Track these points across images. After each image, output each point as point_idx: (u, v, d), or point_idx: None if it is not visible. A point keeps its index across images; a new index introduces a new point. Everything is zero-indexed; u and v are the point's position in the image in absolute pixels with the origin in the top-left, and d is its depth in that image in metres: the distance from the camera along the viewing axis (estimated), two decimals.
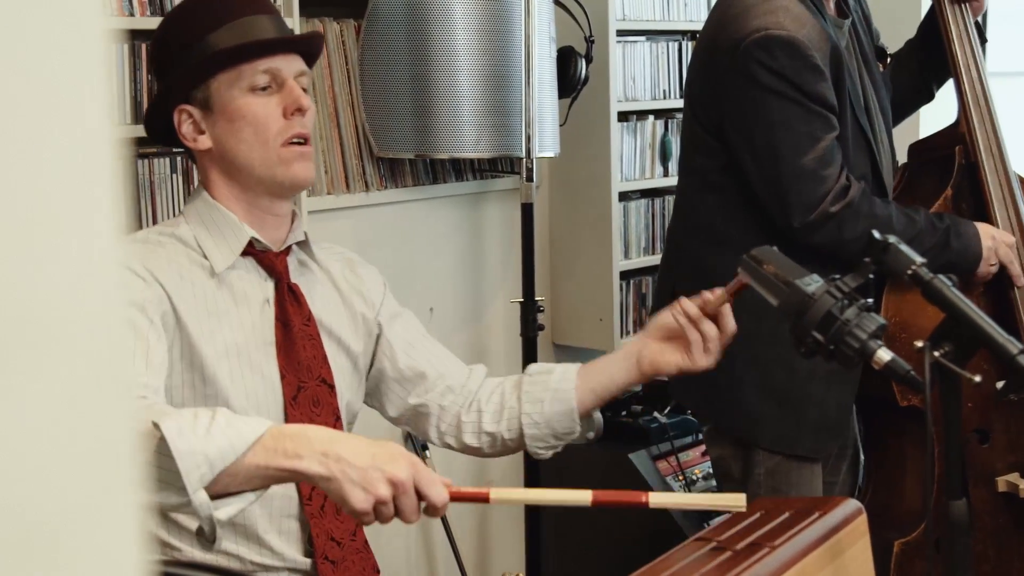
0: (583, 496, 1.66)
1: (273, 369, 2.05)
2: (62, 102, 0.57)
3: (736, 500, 1.62)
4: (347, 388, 2.17)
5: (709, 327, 2.07)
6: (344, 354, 2.18)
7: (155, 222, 2.88)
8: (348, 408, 2.18)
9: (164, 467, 1.59)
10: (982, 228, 2.69)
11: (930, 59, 2.95)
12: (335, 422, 2.11)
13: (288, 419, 2.04)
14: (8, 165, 0.54)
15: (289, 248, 2.13)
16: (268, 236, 2.09)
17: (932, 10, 2.92)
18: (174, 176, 2.93)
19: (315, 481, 1.64)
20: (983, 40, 2.96)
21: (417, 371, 2.23)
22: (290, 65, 2.07)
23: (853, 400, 2.74)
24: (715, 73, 2.62)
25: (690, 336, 2.07)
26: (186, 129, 2.07)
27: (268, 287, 2.09)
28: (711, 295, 2.06)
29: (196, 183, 2.19)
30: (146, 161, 2.88)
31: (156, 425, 1.60)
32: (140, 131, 2.83)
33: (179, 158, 2.94)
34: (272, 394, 2.05)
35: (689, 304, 2.07)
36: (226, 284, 2.05)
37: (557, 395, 2.16)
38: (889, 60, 2.91)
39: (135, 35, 2.85)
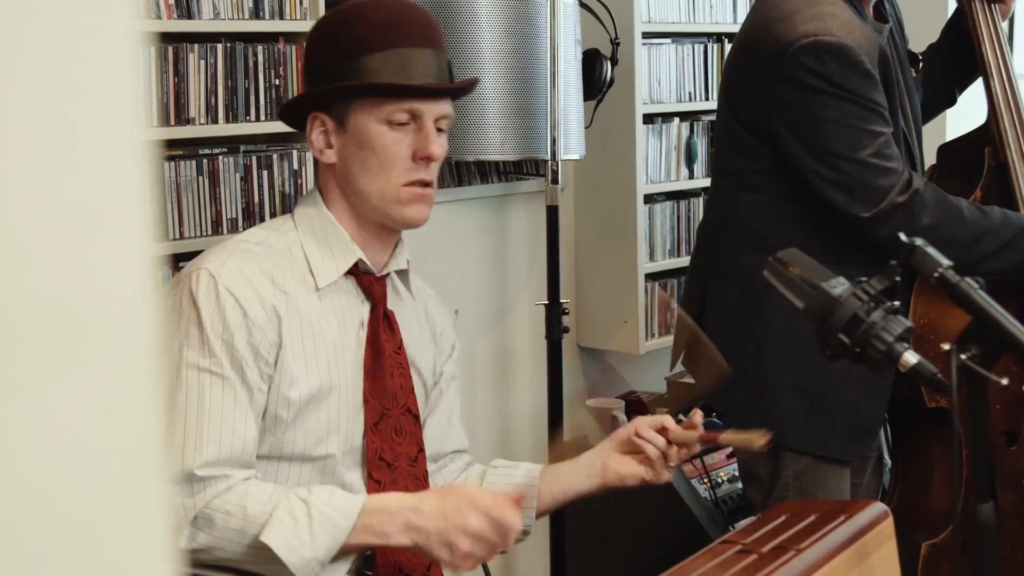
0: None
1: (358, 393, 2.06)
2: (92, 104, 0.58)
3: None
4: (438, 421, 2.21)
5: (671, 449, 2.12)
6: (423, 388, 2.19)
7: (182, 226, 2.89)
8: (435, 436, 2.21)
9: (272, 561, 1.80)
10: None
11: (955, 63, 2.94)
12: (418, 453, 2.13)
13: (367, 445, 2.06)
14: (36, 167, 0.55)
15: (388, 273, 2.14)
16: (372, 258, 2.09)
17: (957, 13, 2.91)
18: (200, 179, 2.94)
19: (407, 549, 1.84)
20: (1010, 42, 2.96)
21: (442, 438, 2.27)
22: (435, 107, 2.05)
23: (886, 405, 2.72)
24: (760, 78, 2.60)
25: (652, 454, 2.11)
26: (316, 137, 2.07)
27: (364, 309, 2.09)
28: (681, 430, 2.12)
29: (312, 185, 2.19)
30: (173, 164, 2.89)
31: (261, 532, 1.80)
32: (167, 133, 2.86)
33: (205, 161, 2.95)
34: (354, 418, 2.05)
35: (647, 430, 2.11)
36: (325, 299, 2.05)
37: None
38: (921, 65, 2.90)
39: (163, 38, 2.87)
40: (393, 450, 2.06)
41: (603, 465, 2.16)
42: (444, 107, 2.07)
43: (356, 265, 2.07)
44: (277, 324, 1.97)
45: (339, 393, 2.03)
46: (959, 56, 2.91)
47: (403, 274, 2.18)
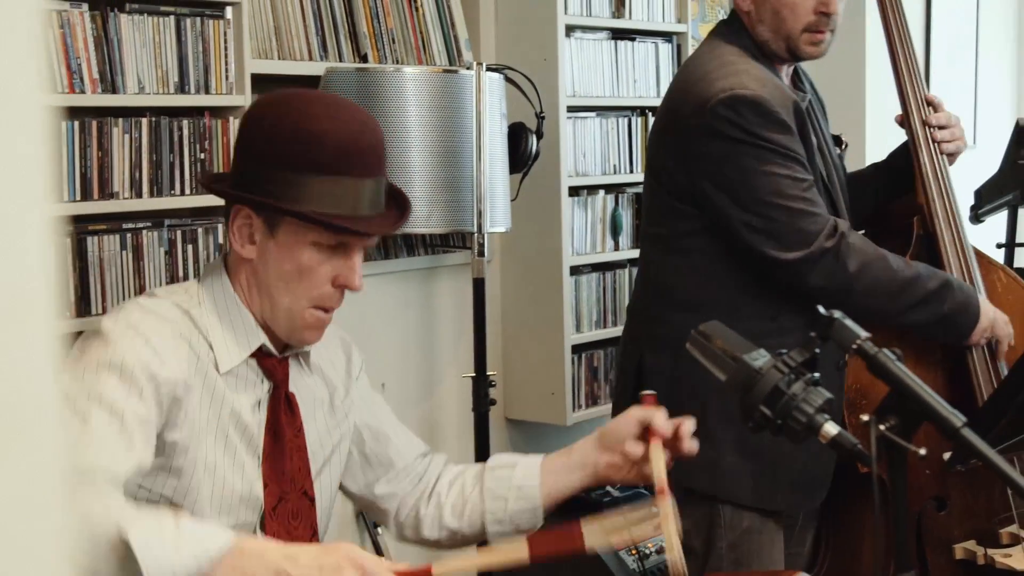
0: (520, 550, 1.81)
1: (256, 476, 2.01)
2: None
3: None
4: (328, 500, 2.16)
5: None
6: (328, 468, 2.15)
7: (105, 300, 2.86)
8: (325, 517, 2.15)
9: (129, 570, 1.63)
10: (985, 301, 2.74)
11: (890, 186, 3.00)
12: (311, 536, 2.08)
13: (266, 530, 2.01)
14: None
15: (291, 354, 2.10)
16: (275, 341, 2.05)
17: (904, 148, 2.96)
18: (124, 253, 2.92)
19: None
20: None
21: (385, 459, 2.22)
22: (366, 240, 2.02)
23: (834, 459, 2.73)
24: (683, 138, 2.66)
25: (628, 453, 2.08)
26: (239, 228, 2.00)
27: (263, 389, 2.04)
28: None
29: (222, 256, 2.10)
30: (96, 238, 2.87)
31: (122, 530, 1.62)
32: (88, 208, 2.84)
33: (129, 235, 2.94)
34: (252, 502, 2.01)
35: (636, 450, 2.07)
36: (224, 379, 2.00)
37: (521, 492, 2.15)
38: (844, 147, 2.96)
39: (87, 112, 2.86)
40: (290, 534, 2.02)
41: (595, 465, 2.13)
42: (373, 239, 2.06)
43: (259, 347, 2.03)
44: (185, 386, 1.93)
45: (235, 473, 1.98)
46: (898, 180, 2.97)
47: (306, 353, 2.14)
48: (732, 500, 2.68)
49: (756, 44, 2.71)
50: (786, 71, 2.78)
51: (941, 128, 2.87)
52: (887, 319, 2.63)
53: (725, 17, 2.87)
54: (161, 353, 1.91)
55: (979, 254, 2.91)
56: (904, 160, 2.95)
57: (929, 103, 2.89)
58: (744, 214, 2.59)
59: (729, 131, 2.57)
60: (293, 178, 1.94)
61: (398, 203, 2.11)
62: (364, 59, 3.48)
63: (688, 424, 2.05)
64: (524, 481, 2.16)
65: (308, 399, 2.12)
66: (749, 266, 2.66)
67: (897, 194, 2.99)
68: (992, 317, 2.70)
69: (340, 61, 3.42)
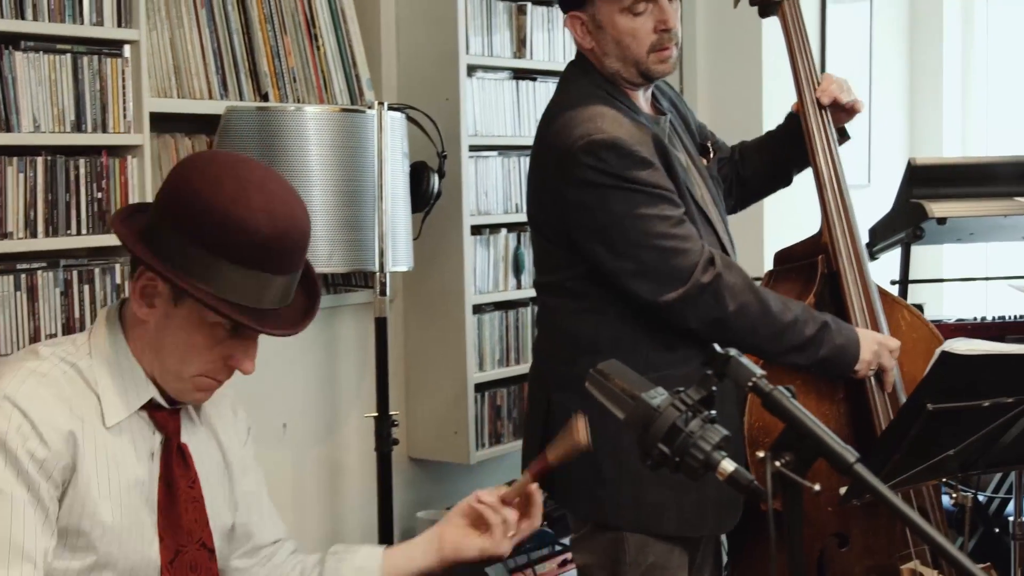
0: None
1: (151, 530, 1.99)
2: None
3: None
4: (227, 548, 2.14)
5: (510, 514, 2.11)
6: (220, 518, 2.12)
7: None
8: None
9: None
10: (865, 332, 2.77)
11: (796, 150, 3.03)
12: None
13: None
14: None
15: (182, 405, 2.07)
16: (166, 393, 2.02)
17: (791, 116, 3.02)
18: (18, 294, 2.87)
19: None
20: (845, 138, 3.06)
21: (247, 531, 2.20)
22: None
23: (740, 510, 2.76)
24: (550, 187, 2.69)
25: (492, 520, 2.11)
26: (142, 287, 1.94)
27: (155, 441, 2.01)
28: (510, 489, 2.11)
29: (119, 303, 2.05)
30: None
31: None
32: None
33: (24, 275, 2.89)
34: (149, 556, 1.98)
35: (487, 495, 2.10)
36: (116, 432, 1.96)
37: (360, 573, 2.15)
38: (713, 155, 2.99)
39: None
40: None
41: (440, 538, 2.14)
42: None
43: (148, 400, 2.00)
44: (72, 451, 1.89)
45: (132, 529, 1.96)
46: (800, 145, 3.01)
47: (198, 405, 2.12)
48: (657, 532, 2.69)
49: (607, 78, 2.75)
50: (644, 95, 2.81)
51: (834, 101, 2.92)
52: (767, 357, 2.67)
53: (571, 60, 2.90)
54: (40, 427, 1.87)
55: (883, 292, 2.95)
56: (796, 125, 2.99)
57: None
58: (618, 260, 2.62)
59: (593, 177, 2.60)
60: (210, 261, 1.88)
61: (308, 290, 2.06)
62: (265, 98, 3.47)
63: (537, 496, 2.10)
64: (365, 563, 2.17)
65: (202, 452, 2.10)
66: (640, 306, 2.68)
67: (802, 156, 3.02)
68: (876, 350, 2.74)
69: (240, 100, 3.41)
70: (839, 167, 2.93)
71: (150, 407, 2.01)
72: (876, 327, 2.85)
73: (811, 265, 2.91)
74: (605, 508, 2.72)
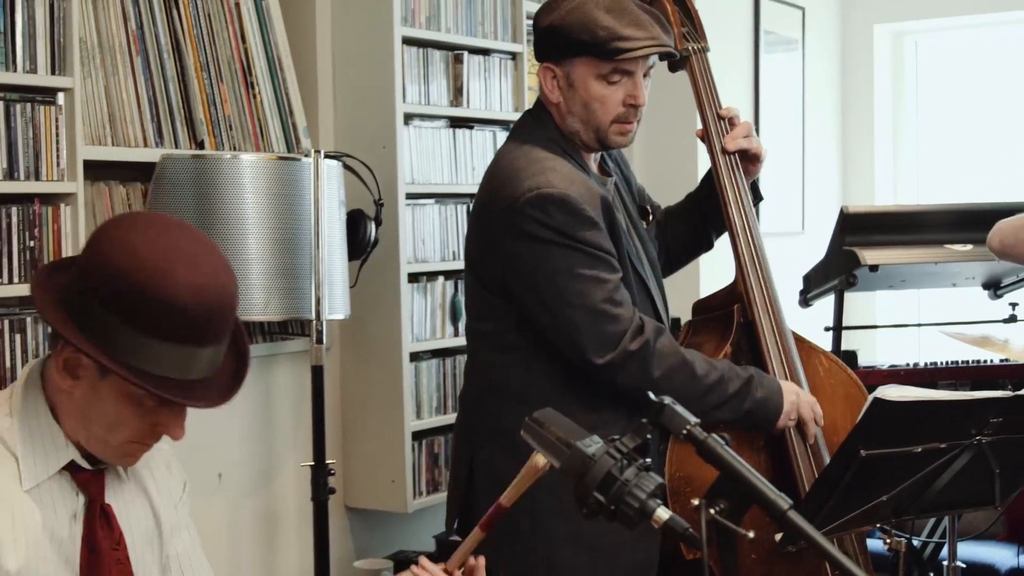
0: None
1: None
2: None
3: None
4: None
5: None
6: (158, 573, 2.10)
7: None
8: None
9: None
10: (786, 384, 2.80)
11: (713, 212, 3.07)
12: None
13: None
14: None
15: (107, 466, 2.02)
16: (87, 454, 1.97)
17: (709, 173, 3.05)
18: None
19: None
20: (759, 199, 3.10)
21: None
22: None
23: (659, 547, 2.76)
24: (492, 236, 2.69)
25: None
26: (65, 359, 1.90)
27: (78, 502, 1.97)
28: (456, 554, 2.07)
29: (42, 366, 1.99)
30: None
31: None
32: None
33: None
34: None
35: (430, 566, 2.06)
36: (36, 494, 1.92)
37: None
38: (652, 218, 3.02)
39: None
40: None
41: None
42: None
43: (70, 461, 1.96)
44: None
45: None
46: (717, 206, 3.04)
47: None
48: None
49: (563, 134, 2.76)
50: (594, 156, 2.83)
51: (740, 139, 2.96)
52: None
53: (529, 108, 2.91)
54: None
55: (800, 339, 2.98)
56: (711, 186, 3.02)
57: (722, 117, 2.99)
58: (550, 316, 2.63)
59: (537, 231, 2.61)
60: (134, 335, 1.84)
61: (237, 351, 2.02)
62: (200, 145, 3.46)
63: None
64: None
65: (130, 512, 2.06)
66: (570, 361, 2.69)
67: (720, 219, 3.05)
68: (795, 401, 2.77)
69: (176, 147, 3.39)
70: (751, 216, 2.96)
71: (72, 468, 1.96)
72: (793, 374, 2.87)
73: (727, 315, 2.93)
74: (518, 565, 2.71)
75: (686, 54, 3.00)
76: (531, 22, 4.39)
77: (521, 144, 2.76)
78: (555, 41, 2.72)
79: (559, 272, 2.61)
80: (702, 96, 3.01)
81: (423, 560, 2.10)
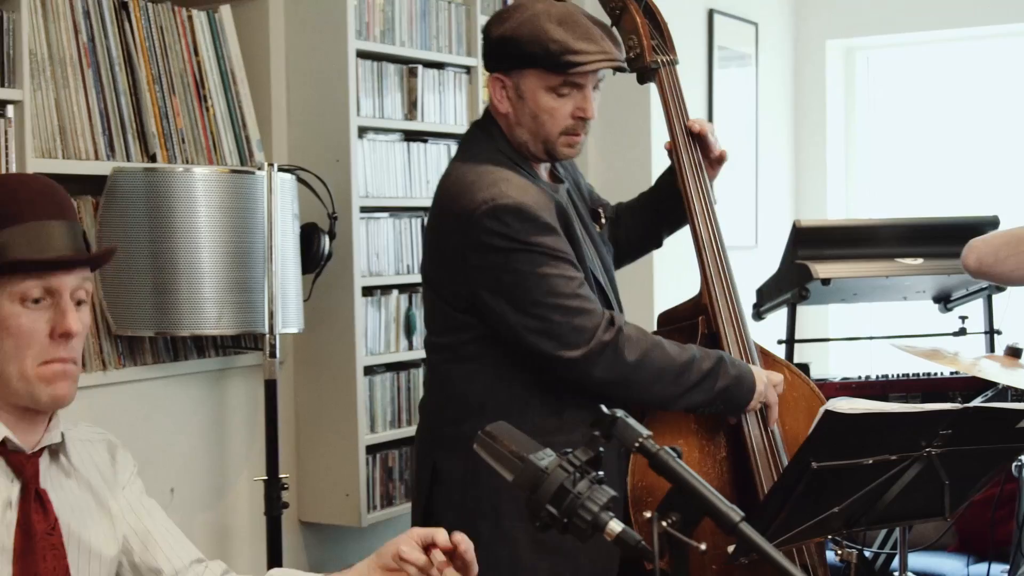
0: None
1: None
2: None
3: None
4: None
5: (434, 569, 2.01)
6: (96, 562, 2.08)
7: None
8: None
9: None
10: (756, 368, 2.84)
11: (667, 212, 3.08)
12: None
13: None
14: None
15: (43, 448, 2.02)
16: (21, 436, 1.98)
17: (671, 169, 3.07)
18: None
19: None
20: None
21: (154, 567, 2.15)
22: (71, 280, 1.97)
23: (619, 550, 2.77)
24: (452, 250, 2.69)
25: (409, 573, 2.00)
26: None
27: (13, 489, 1.97)
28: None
29: None
30: None
31: None
32: None
33: None
34: None
35: (409, 550, 2.01)
36: None
37: None
38: (604, 220, 3.04)
39: None
40: None
41: None
42: (81, 279, 2.00)
43: (4, 444, 1.97)
44: None
45: None
46: (672, 206, 3.06)
47: (61, 447, 2.07)
48: None
49: (511, 145, 2.77)
50: (544, 164, 2.85)
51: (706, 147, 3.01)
52: (669, 403, 2.71)
53: (478, 119, 2.92)
54: None
55: (763, 351, 3.01)
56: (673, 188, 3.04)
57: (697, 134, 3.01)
58: (523, 318, 2.64)
59: (497, 242, 2.62)
60: None
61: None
62: (153, 159, 3.44)
63: (468, 545, 2.02)
64: None
65: (67, 497, 2.05)
66: (533, 366, 2.70)
67: (673, 218, 3.06)
68: (766, 382, 2.81)
69: (128, 161, 3.37)
70: (717, 228, 2.98)
71: (6, 451, 1.97)
72: None
73: (692, 326, 2.95)
74: (480, 569, 2.71)
75: (655, 66, 3.03)
76: None
77: (471, 157, 2.78)
78: (506, 52, 2.73)
79: (525, 275, 2.63)
80: (671, 108, 3.03)
81: (403, 547, 2.02)
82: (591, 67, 2.68)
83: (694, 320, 2.96)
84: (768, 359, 3.01)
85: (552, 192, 2.76)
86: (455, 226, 2.67)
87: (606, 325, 2.65)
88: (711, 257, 2.95)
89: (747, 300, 4.51)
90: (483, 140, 2.80)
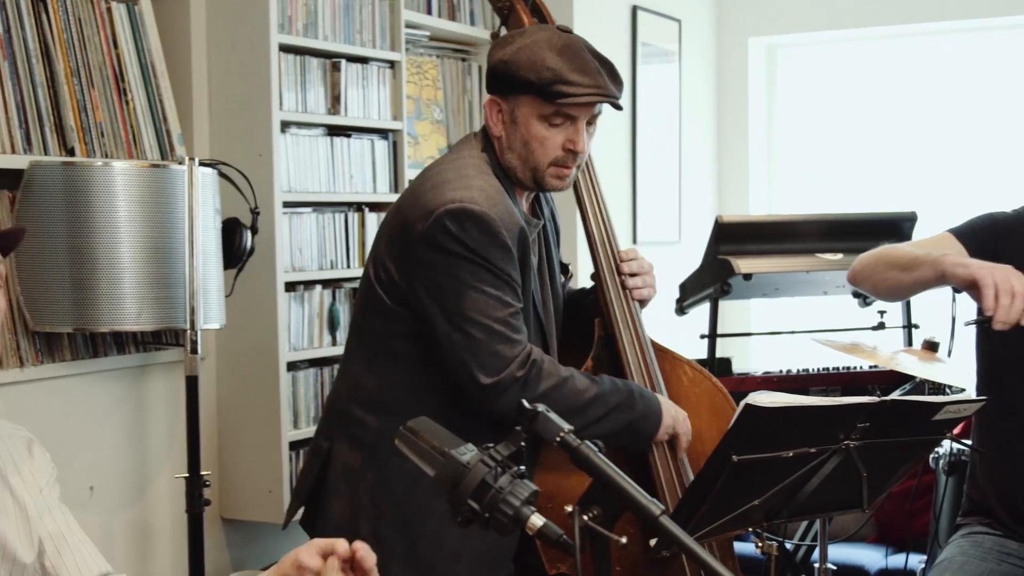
0: None
1: None
2: None
3: None
4: None
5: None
6: (10, 562, 2.04)
7: None
8: None
9: None
10: (665, 400, 2.84)
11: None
12: None
13: None
14: None
15: None
16: None
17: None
18: None
19: None
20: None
21: (63, 573, 2.12)
22: None
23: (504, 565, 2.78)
24: (407, 239, 2.67)
25: None
26: None
27: None
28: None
29: None
30: None
31: None
32: None
33: None
34: None
35: (308, 558, 2.00)
36: None
37: None
38: (568, 276, 3.04)
39: None
40: None
41: None
42: None
43: None
44: None
45: None
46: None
47: None
48: None
49: (501, 167, 2.76)
50: (527, 195, 2.83)
51: (633, 275, 2.96)
52: (576, 434, 2.69)
53: (478, 130, 2.88)
54: None
55: (663, 350, 3.00)
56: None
57: (622, 260, 2.97)
58: (448, 326, 2.62)
59: (451, 244, 2.60)
60: None
61: None
62: (71, 153, 3.39)
63: (367, 554, 2.00)
64: None
65: None
66: (450, 379, 2.68)
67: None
68: (674, 415, 2.82)
69: (45, 155, 3.32)
70: (611, 229, 2.98)
71: None
72: (653, 386, 2.90)
73: (588, 329, 2.95)
74: None
75: None
76: (410, 31, 4.42)
77: (460, 155, 2.75)
78: (503, 76, 2.71)
79: (466, 285, 2.61)
80: (584, 197, 3.01)
81: (302, 557, 2.00)
82: (581, 100, 2.65)
83: (590, 322, 2.95)
84: (667, 357, 3.00)
85: (527, 225, 2.74)
86: (418, 215, 2.64)
87: (523, 360, 2.62)
88: (604, 257, 2.95)
89: (670, 296, 4.55)
90: (479, 146, 2.78)
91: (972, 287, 2.71)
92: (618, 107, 2.79)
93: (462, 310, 2.61)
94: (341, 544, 1.94)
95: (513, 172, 2.74)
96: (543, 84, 2.64)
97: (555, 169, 2.73)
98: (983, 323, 2.74)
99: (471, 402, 2.64)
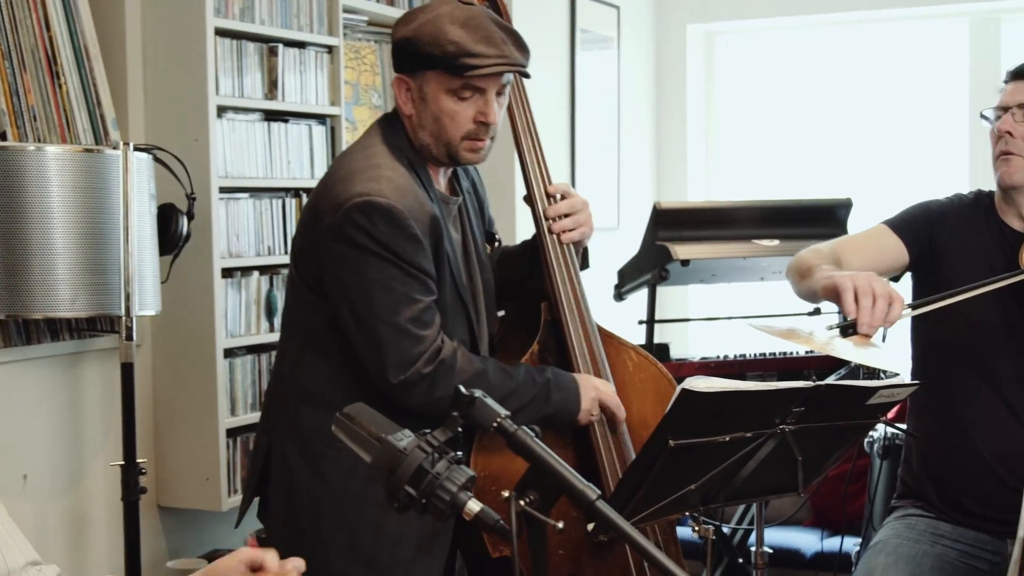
0: None
1: None
2: None
3: None
4: None
5: None
6: None
7: None
8: None
9: None
10: (584, 380, 2.81)
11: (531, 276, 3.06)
12: None
13: None
14: None
15: None
16: None
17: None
18: None
19: None
20: (584, 266, 3.09)
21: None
22: None
23: (443, 563, 2.77)
24: (317, 231, 2.66)
25: None
26: None
27: None
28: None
29: None
30: None
31: None
32: None
33: None
34: None
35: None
36: None
37: None
38: (497, 244, 3.02)
39: None
40: None
41: None
42: None
43: None
44: None
45: None
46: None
47: None
48: None
49: (413, 146, 2.74)
50: (444, 172, 2.80)
51: (564, 216, 2.96)
52: None
53: (388, 112, 2.87)
54: None
55: (609, 336, 3.00)
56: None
57: (551, 195, 2.95)
58: (355, 324, 2.61)
59: (359, 237, 2.58)
60: None
61: None
62: (3, 137, 3.35)
63: (299, 564, 1.99)
64: None
65: None
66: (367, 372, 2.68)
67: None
68: (593, 396, 2.79)
69: None
70: (544, 167, 2.97)
71: None
72: (598, 371, 2.89)
73: (535, 313, 2.95)
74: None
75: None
76: (348, 15, 4.39)
77: (368, 146, 2.72)
78: (408, 53, 2.68)
79: (373, 283, 2.59)
80: (519, 126, 2.99)
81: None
82: (488, 71, 2.63)
83: (537, 307, 2.95)
84: (613, 343, 3.00)
85: (439, 204, 2.72)
86: (328, 208, 2.62)
87: (430, 357, 2.61)
88: (551, 241, 2.93)
89: (609, 281, 4.57)
90: (388, 133, 2.73)
91: (834, 294, 2.73)
92: (525, 75, 2.76)
93: (369, 308, 2.60)
94: (271, 557, 1.94)
95: (427, 150, 2.72)
96: (448, 58, 2.62)
97: (469, 143, 2.70)
98: (846, 329, 2.71)
99: (386, 397, 2.63)
